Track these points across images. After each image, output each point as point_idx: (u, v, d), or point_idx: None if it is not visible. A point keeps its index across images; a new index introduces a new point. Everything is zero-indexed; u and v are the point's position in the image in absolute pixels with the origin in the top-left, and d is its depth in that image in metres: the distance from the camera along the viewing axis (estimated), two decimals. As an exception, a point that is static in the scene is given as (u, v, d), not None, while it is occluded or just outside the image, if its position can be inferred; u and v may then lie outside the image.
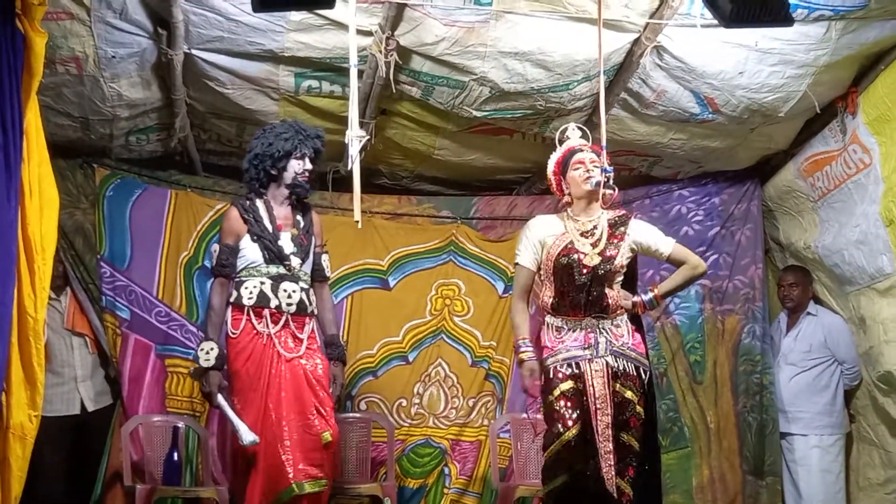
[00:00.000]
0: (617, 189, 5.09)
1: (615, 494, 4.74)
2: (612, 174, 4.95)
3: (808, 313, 6.71)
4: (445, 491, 6.91)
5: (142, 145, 6.60)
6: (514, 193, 7.45)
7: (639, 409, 4.93)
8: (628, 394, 4.89)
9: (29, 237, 3.92)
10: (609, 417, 4.81)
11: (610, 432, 4.79)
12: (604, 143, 5.03)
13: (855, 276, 6.22)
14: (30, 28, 3.87)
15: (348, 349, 6.56)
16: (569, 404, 4.86)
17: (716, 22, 4.75)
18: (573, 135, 5.17)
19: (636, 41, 5.43)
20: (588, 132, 5.21)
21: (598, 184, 4.93)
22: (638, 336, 5.10)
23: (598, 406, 4.82)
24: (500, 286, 7.08)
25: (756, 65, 5.58)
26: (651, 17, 5.23)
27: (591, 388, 4.85)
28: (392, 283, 7.09)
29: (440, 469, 6.94)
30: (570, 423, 4.83)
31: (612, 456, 4.78)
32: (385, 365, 6.97)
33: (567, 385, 4.88)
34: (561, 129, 5.23)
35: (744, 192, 7.12)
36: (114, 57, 5.45)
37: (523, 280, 5.14)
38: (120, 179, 6.72)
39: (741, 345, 6.97)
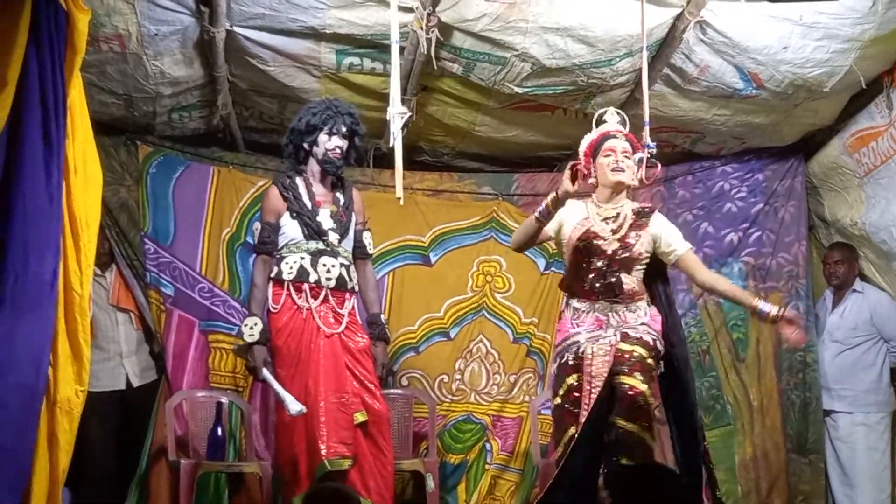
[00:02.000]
0: (660, 165, 5.06)
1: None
2: (654, 150, 4.92)
3: (854, 290, 6.66)
4: (487, 466, 6.93)
5: (184, 122, 6.64)
6: (555, 170, 7.43)
7: (649, 361, 4.86)
8: (632, 347, 4.85)
9: (74, 213, 3.95)
10: (601, 378, 4.80)
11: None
12: (646, 119, 5.01)
13: (902, 253, 6.17)
14: (73, 5, 3.88)
15: (390, 325, 6.59)
16: (574, 398, 4.88)
17: (760, -4, 4.72)
18: (611, 119, 5.12)
19: (679, 16, 5.39)
20: (626, 118, 5.14)
21: (638, 162, 4.90)
22: (658, 318, 5.03)
23: (594, 386, 4.81)
24: (542, 263, 7.07)
25: (801, 39, 5.53)
26: (694, -9, 5.19)
27: (590, 367, 4.85)
28: (433, 260, 7.10)
29: (481, 445, 6.96)
30: (574, 419, 4.85)
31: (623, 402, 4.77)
32: (426, 341, 7.00)
33: (572, 379, 4.91)
34: (599, 112, 5.17)
35: (787, 169, 7.06)
36: (156, 34, 5.48)
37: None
38: (163, 156, 6.76)
39: (785, 322, 6.93)
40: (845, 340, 6.66)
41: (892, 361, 6.54)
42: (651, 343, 4.91)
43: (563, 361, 4.99)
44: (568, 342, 4.98)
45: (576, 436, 4.78)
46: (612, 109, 5.18)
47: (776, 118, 6.47)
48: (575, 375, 4.90)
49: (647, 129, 5.01)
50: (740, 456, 6.85)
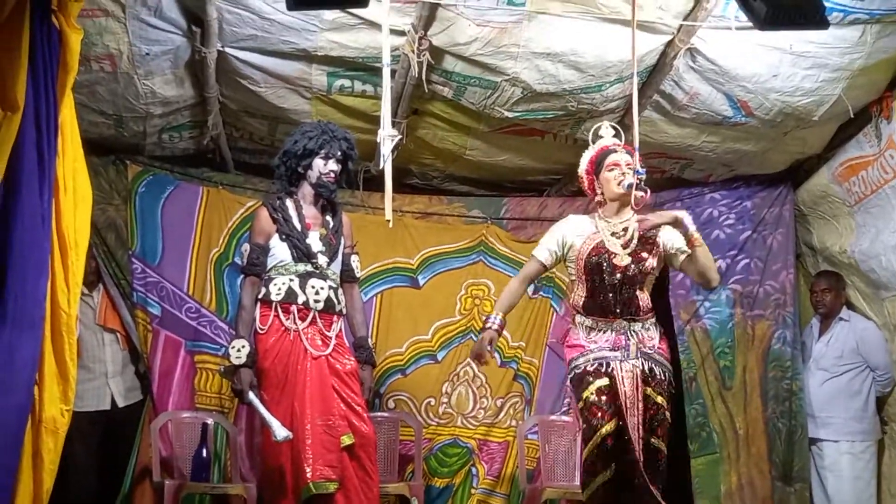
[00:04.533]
0: (649, 191, 5.06)
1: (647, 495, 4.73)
2: (644, 176, 4.93)
3: (841, 318, 6.66)
4: (472, 491, 6.92)
5: (174, 143, 6.63)
6: (544, 195, 7.44)
7: (668, 414, 4.91)
8: (659, 399, 4.87)
9: (63, 232, 3.94)
10: (636, 419, 4.80)
11: (639, 434, 4.79)
12: (636, 145, 5.01)
13: (891, 282, 6.18)
14: (66, 24, 3.89)
15: (377, 347, 6.60)
16: (605, 399, 4.83)
17: (750, 24, 4.73)
18: (606, 133, 5.14)
19: (670, 43, 5.42)
20: (621, 131, 5.17)
21: (630, 186, 4.91)
22: (665, 342, 5.07)
23: (628, 406, 4.81)
24: (530, 288, 7.05)
25: (790, 68, 5.55)
26: (685, 18, 5.21)
27: (623, 388, 4.83)
28: (422, 282, 7.10)
29: (467, 469, 6.94)
30: (608, 416, 4.80)
31: (642, 456, 4.77)
32: (414, 363, 6.98)
33: (602, 381, 4.85)
34: (595, 127, 5.19)
35: (776, 197, 7.07)
36: (148, 54, 5.48)
37: (531, 269, 5.20)
38: (152, 176, 6.75)
39: (771, 350, 6.92)
40: (831, 368, 6.66)
41: (877, 390, 6.54)
42: (669, 385, 4.97)
43: (585, 369, 4.91)
44: (590, 356, 4.91)
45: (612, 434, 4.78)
46: (606, 123, 5.19)
47: (765, 146, 6.49)
48: (606, 379, 4.85)
49: (636, 155, 5.01)
50: (726, 484, 6.83)
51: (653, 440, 4.83)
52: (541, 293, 7.02)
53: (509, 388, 7.04)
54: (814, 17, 4.50)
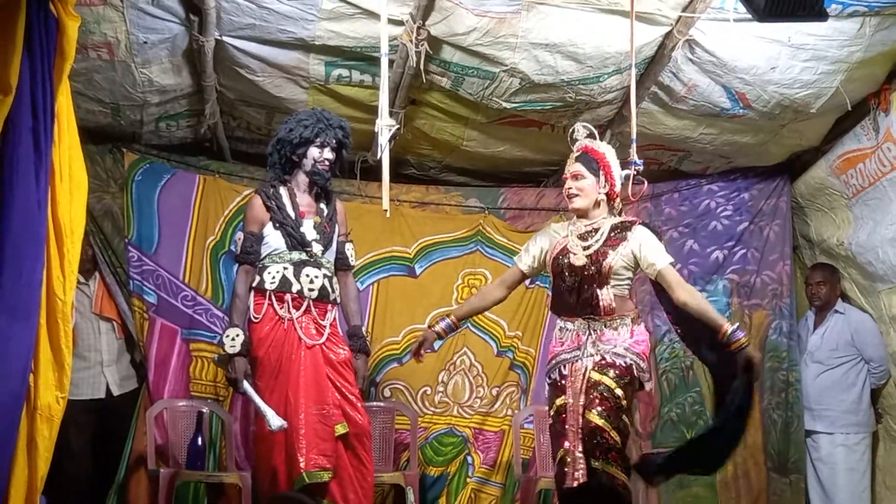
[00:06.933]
0: (646, 183, 5.06)
1: (583, 479, 4.73)
2: (641, 167, 4.93)
3: (836, 311, 6.68)
4: (468, 480, 6.92)
5: (171, 131, 6.62)
6: (541, 185, 7.44)
7: (614, 392, 4.80)
8: (598, 376, 4.81)
9: (58, 219, 3.93)
10: (577, 407, 4.84)
11: (578, 412, 4.83)
12: (633, 136, 5.02)
13: (888, 275, 6.18)
14: (63, 12, 3.87)
15: (373, 335, 6.60)
16: (561, 419, 4.91)
17: (749, 16, 4.73)
18: (579, 136, 5.06)
19: (668, 34, 5.41)
20: (595, 131, 5.11)
21: (625, 178, 4.93)
22: (644, 337, 5.00)
23: (573, 408, 4.84)
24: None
25: (789, 60, 5.55)
26: (684, 10, 5.20)
27: (570, 389, 4.87)
28: (419, 271, 7.10)
29: (463, 458, 6.95)
30: (565, 441, 4.87)
31: (580, 434, 4.79)
32: (410, 352, 6.97)
33: (560, 401, 4.93)
34: (570, 131, 5.13)
35: (773, 188, 7.09)
36: (145, 43, 5.47)
37: (508, 276, 5.37)
38: (149, 164, 6.74)
39: (768, 341, 6.94)
40: (826, 361, 6.68)
41: (872, 383, 6.56)
42: (626, 368, 4.85)
43: (552, 381, 5.02)
44: (553, 362, 5.02)
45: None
46: (579, 125, 5.11)
47: (763, 138, 6.50)
48: (563, 397, 4.92)
49: (634, 146, 5.01)
50: (721, 474, 6.82)
51: (590, 415, 4.77)
52: (537, 283, 7.01)
53: (505, 377, 7.04)
54: (813, 9, 4.51)
